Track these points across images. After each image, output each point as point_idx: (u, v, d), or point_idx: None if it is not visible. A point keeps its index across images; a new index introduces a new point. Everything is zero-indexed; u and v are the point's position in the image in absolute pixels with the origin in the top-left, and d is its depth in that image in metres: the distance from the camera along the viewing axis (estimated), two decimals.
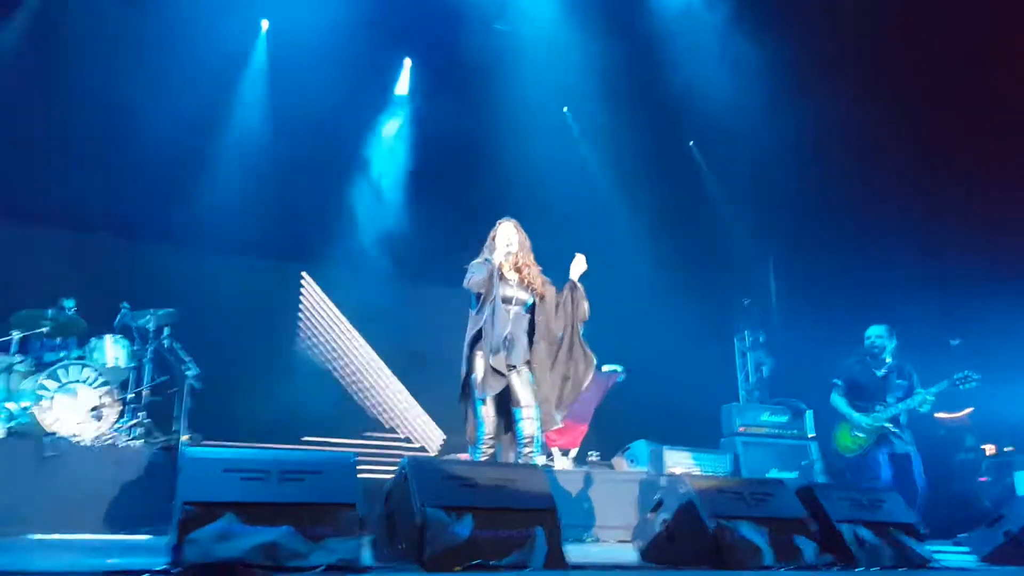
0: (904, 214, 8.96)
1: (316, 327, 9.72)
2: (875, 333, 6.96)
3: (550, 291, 5.33)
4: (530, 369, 5.17)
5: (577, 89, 10.12)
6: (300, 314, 9.70)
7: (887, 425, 6.56)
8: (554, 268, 5.49)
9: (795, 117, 8.94)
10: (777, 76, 9.09)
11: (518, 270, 5.25)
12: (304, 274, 9.79)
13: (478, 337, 5.12)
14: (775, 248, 11.20)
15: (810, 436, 8.41)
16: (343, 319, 9.88)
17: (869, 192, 9.34)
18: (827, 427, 7.35)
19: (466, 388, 5.20)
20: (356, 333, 9.89)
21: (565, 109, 11.00)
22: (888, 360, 6.88)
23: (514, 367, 5.08)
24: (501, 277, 5.18)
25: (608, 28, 9.47)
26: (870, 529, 4.09)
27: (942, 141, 8.46)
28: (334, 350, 9.80)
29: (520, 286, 5.24)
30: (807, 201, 10.03)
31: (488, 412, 5.06)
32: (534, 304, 5.28)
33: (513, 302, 5.18)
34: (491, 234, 5.43)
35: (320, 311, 9.72)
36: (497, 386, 5.00)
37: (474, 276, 5.20)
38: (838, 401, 6.98)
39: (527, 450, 4.92)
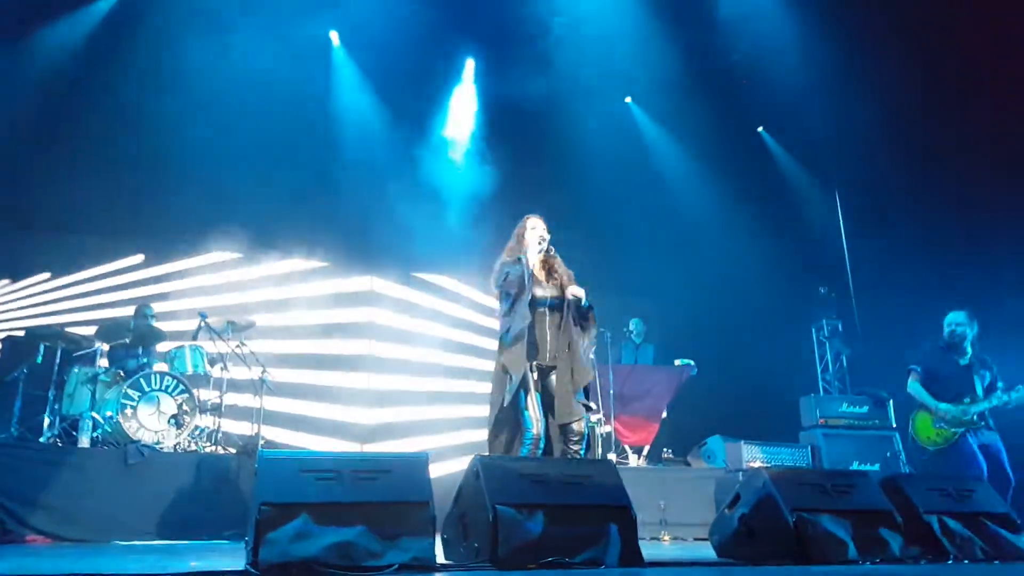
0: (990, 194, 8.56)
1: (390, 327, 9.65)
2: (956, 320, 6.40)
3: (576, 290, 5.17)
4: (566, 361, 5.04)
5: (643, 73, 9.94)
6: (375, 316, 9.66)
7: (976, 420, 6.20)
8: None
9: (875, 95, 8.67)
10: (853, 47, 8.82)
11: (551, 269, 5.18)
12: (375, 278, 9.74)
13: (509, 336, 5.01)
14: (853, 234, 10.89)
15: (893, 426, 8.14)
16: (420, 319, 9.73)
17: (952, 173, 8.96)
18: (905, 416, 7.00)
19: (504, 389, 5.04)
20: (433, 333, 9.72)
21: (628, 99, 10.89)
22: (969, 349, 6.38)
23: (553, 367, 5.00)
24: (532, 277, 5.09)
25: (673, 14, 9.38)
26: (959, 520, 3.94)
27: None
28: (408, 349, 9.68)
29: (550, 285, 5.14)
30: (887, 184, 9.72)
31: (532, 409, 4.90)
32: (562, 301, 5.14)
33: (545, 302, 5.09)
34: (517, 231, 5.32)
35: (393, 311, 9.66)
36: (517, 383, 4.87)
37: (509, 275, 5.09)
38: (918, 389, 6.46)
39: (574, 447, 4.84)
